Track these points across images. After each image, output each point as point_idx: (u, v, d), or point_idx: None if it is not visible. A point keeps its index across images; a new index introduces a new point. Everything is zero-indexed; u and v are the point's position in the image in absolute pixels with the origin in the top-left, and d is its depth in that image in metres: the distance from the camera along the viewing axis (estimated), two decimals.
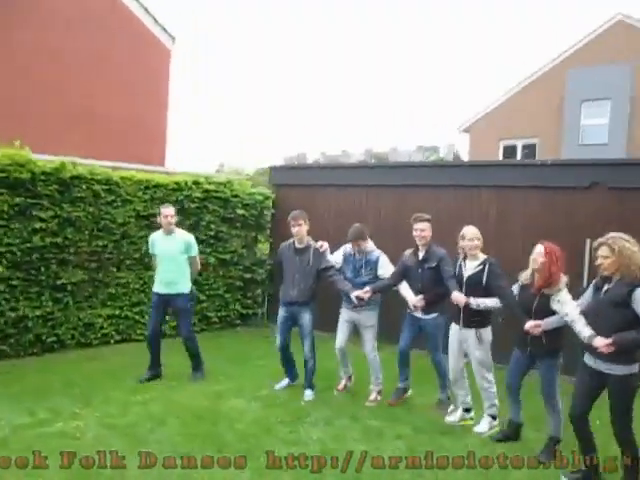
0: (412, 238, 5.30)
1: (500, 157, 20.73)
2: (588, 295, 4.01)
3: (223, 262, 8.58)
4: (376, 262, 5.49)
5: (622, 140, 18.22)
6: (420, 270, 5.19)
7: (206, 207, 8.29)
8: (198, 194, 8.13)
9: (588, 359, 3.87)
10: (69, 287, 7.00)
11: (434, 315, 5.24)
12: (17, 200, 6.46)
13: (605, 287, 3.81)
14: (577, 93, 19.01)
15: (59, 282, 6.90)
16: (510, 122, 20.74)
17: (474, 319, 4.78)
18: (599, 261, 3.80)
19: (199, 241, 8.16)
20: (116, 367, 6.51)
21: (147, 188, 7.68)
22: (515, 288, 4.58)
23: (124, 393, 5.57)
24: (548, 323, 4.23)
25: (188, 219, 8.08)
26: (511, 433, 4.70)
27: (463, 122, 23.09)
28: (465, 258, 4.90)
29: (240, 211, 8.63)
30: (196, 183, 8.17)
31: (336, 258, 5.68)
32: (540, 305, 4.29)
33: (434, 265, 5.10)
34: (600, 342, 3.63)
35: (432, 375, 5.61)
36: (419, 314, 5.25)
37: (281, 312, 5.76)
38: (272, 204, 9.19)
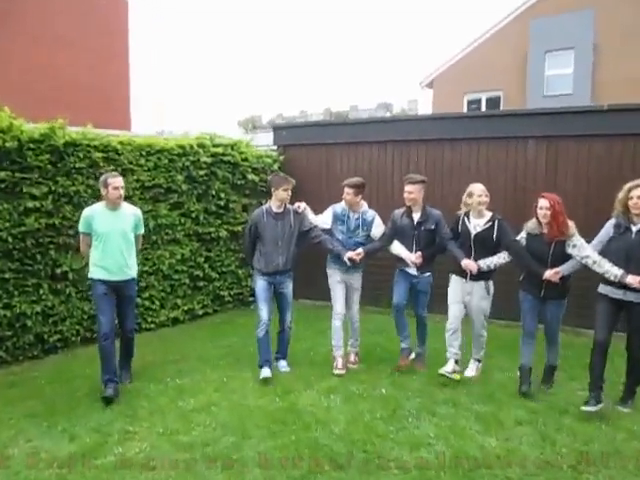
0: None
1: (465, 111, 20.31)
2: (604, 237, 4.40)
3: (234, 235, 7.61)
4: (371, 222, 5.29)
5: (587, 89, 18.17)
6: (416, 232, 5.12)
7: (214, 173, 7.24)
8: (205, 158, 7.06)
9: (613, 292, 4.29)
10: (71, 275, 5.88)
11: (428, 274, 5.22)
12: (2, 175, 5.24)
13: (635, 228, 4.22)
14: (540, 44, 18.74)
15: (59, 270, 5.78)
16: (473, 75, 20.32)
17: (483, 272, 4.87)
18: (634, 201, 4.18)
19: (208, 213, 7.23)
20: (138, 365, 5.54)
21: (149, 154, 6.55)
22: (521, 239, 4.75)
23: (170, 398, 4.66)
24: (566, 269, 4.53)
25: (196, 188, 7.05)
26: (528, 377, 4.75)
27: (425, 77, 22.51)
28: (467, 215, 4.94)
29: (250, 176, 7.63)
30: (202, 146, 7.09)
31: (324, 219, 5.35)
32: (556, 253, 4.54)
33: (432, 227, 5.10)
34: (634, 280, 4.09)
35: (510, 349, 5.50)
36: (413, 271, 5.17)
37: (261, 282, 5.14)
38: (279, 167, 8.22)
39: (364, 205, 5.32)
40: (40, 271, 5.64)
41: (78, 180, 5.83)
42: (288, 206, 5.11)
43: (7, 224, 5.28)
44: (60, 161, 5.70)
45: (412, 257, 5.09)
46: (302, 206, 5.21)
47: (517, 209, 6.13)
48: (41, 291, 5.66)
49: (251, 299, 7.96)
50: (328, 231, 5.31)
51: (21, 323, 5.53)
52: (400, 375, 5.15)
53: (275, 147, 8.49)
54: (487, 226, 4.86)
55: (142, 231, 5.11)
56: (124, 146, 6.26)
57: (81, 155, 5.81)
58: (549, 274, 4.49)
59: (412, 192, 5.07)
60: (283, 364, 5.38)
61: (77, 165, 5.78)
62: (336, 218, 5.29)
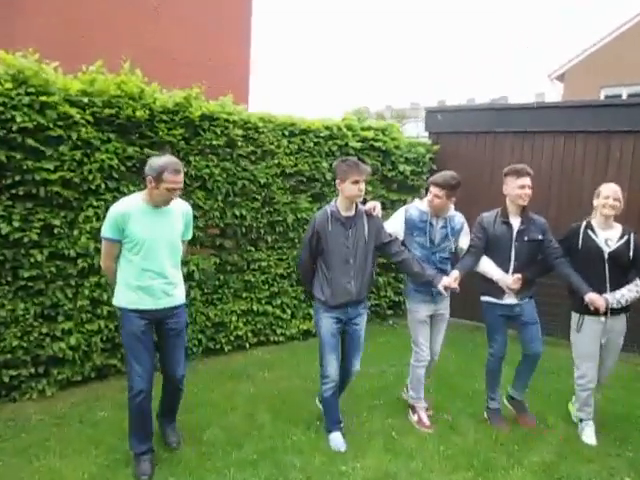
0: None
1: None
2: None
3: None
4: (460, 230, 3.94)
5: None
6: (516, 243, 3.83)
7: (363, 162, 6.03)
8: (354, 143, 5.88)
9: None
10: (196, 275, 4.93)
11: (529, 298, 3.94)
12: (130, 151, 4.34)
13: None
14: None
15: (184, 269, 4.83)
16: (613, 68, 17.92)
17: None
18: None
19: None
20: (272, 388, 4.45)
21: (293, 135, 5.46)
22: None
23: (321, 461, 3.50)
24: None
25: None
26: None
27: (556, 69, 20.24)
28: (591, 226, 3.74)
29: (402, 167, 6.37)
30: (350, 128, 5.92)
31: (393, 228, 3.85)
32: None
33: (539, 238, 3.84)
34: None
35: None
36: (510, 299, 3.86)
37: (328, 322, 3.60)
38: (431, 159, 6.88)
39: (451, 208, 3.94)
40: None
41: (213, 161, 4.85)
42: (360, 207, 3.61)
43: None
44: (194, 137, 4.73)
45: (509, 280, 3.79)
46: (377, 207, 3.69)
47: None
48: None
49: (389, 312, 6.75)
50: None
51: None
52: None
53: (426, 135, 7.15)
54: (622, 242, 3.68)
55: (190, 236, 3.58)
56: (265, 123, 5.21)
57: (218, 131, 4.81)
58: None
59: (530, 186, 3.78)
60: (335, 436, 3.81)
61: (213, 142, 4.79)
62: (412, 226, 3.84)
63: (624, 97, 18.12)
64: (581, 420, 3.89)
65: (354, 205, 3.55)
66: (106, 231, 3.17)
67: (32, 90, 3.83)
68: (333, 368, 3.60)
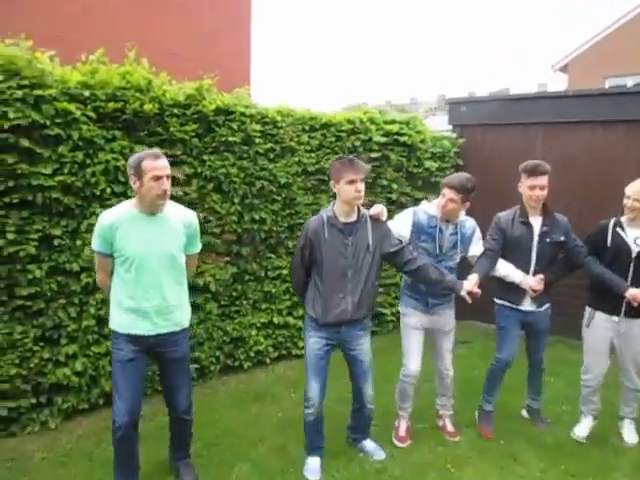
0: None
1: None
2: None
3: None
4: (471, 236, 3.53)
5: None
6: (538, 245, 3.52)
7: (386, 158, 5.57)
8: (378, 138, 5.40)
9: None
10: (213, 286, 4.44)
11: (547, 305, 3.69)
12: (138, 150, 3.85)
13: None
14: None
15: (199, 281, 4.36)
16: (617, 57, 17.63)
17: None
18: None
19: None
20: (301, 412, 3.96)
21: (313, 129, 4.98)
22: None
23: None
24: None
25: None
26: None
27: (559, 60, 19.90)
28: (620, 224, 3.50)
29: (428, 163, 5.89)
30: (372, 122, 5.44)
31: (399, 230, 3.39)
32: None
33: (561, 239, 3.54)
34: None
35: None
36: (528, 306, 3.60)
37: (314, 341, 3.19)
38: (455, 153, 6.41)
39: (462, 212, 3.50)
40: None
41: (229, 160, 4.37)
42: (363, 211, 3.11)
43: None
44: (208, 133, 4.25)
45: (531, 281, 3.52)
46: (384, 211, 3.17)
47: None
48: None
49: None
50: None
51: None
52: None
53: (450, 128, 6.68)
54: None
55: (198, 249, 3.09)
56: (284, 118, 4.73)
57: (235, 126, 4.32)
58: None
59: (544, 187, 3.45)
60: (371, 446, 3.50)
61: (229, 139, 4.30)
62: (420, 231, 3.40)
63: (629, 86, 17.84)
64: (582, 413, 3.79)
65: (355, 209, 3.06)
66: (94, 244, 2.81)
67: (25, 83, 3.34)
68: (315, 392, 3.20)
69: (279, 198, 4.74)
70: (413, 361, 3.54)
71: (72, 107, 3.49)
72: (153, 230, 2.76)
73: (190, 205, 4.17)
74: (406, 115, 5.86)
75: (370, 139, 5.33)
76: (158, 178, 2.65)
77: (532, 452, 3.54)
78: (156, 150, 2.77)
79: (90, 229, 3.68)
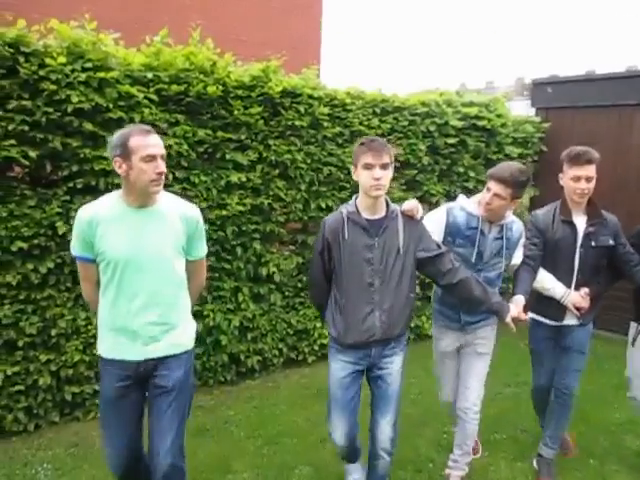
0: None
1: None
2: None
3: None
4: (517, 241, 2.86)
5: None
6: (581, 249, 2.89)
7: (464, 143, 5.19)
8: (455, 122, 5.03)
9: None
10: (276, 277, 4.28)
11: (590, 324, 3.04)
12: (201, 133, 3.72)
13: None
14: None
15: (263, 270, 4.20)
16: None
17: None
18: None
19: (450, 197, 5.20)
20: (366, 413, 3.73)
21: (385, 113, 4.69)
22: None
23: None
24: None
25: (438, 163, 5.08)
26: None
27: None
28: None
29: (509, 149, 5.46)
30: (449, 104, 5.07)
31: (432, 229, 2.67)
32: None
33: (610, 243, 2.89)
34: None
35: None
36: (572, 320, 2.94)
37: (339, 366, 2.52)
38: (540, 139, 5.91)
39: (510, 212, 2.84)
40: (240, 270, 4.10)
41: (295, 144, 4.17)
42: (393, 207, 2.50)
43: (203, 204, 3.76)
44: (274, 117, 4.06)
45: (576, 297, 2.86)
46: (418, 207, 2.54)
47: None
48: (240, 297, 4.13)
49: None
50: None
51: (213, 338, 4.06)
52: None
53: (531, 113, 6.17)
54: None
55: (204, 252, 2.44)
56: (353, 100, 4.47)
57: (302, 109, 4.11)
58: None
59: (591, 178, 2.81)
60: None
61: (296, 123, 4.10)
62: (456, 233, 2.76)
63: None
64: None
65: (382, 204, 2.45)
66: (73, 247, 2.22)
67: (89, 65, 3.27)
68: (341, 433, 2.54)
69: (347, 185, 4.49)
70: (446, 389, 3.05)
71: (134, 90, 3.39)
72: (143, 227, 2.17)
73: (254, 192, 4.04)
74: (486, 97, 5.43)
75: (446, 123, 4.97)
76: (151, 158, 2.09)
77: (627, 475, 3.14)
78: (144, 125, 2.22)
79: None
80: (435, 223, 2.74)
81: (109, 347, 2.21)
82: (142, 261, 2.16)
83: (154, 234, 2.18)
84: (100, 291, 2.23)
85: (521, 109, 6.04)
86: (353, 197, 2.51)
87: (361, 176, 2.37)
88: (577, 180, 2.80)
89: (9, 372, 3.26)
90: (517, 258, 2.87)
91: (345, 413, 2.52)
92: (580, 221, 2.90)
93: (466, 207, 2.78)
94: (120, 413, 2.22)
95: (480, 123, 5.19)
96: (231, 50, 3.88)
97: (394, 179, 4.79)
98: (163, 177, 2.15)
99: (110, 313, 2.20)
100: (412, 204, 2.52)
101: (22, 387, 3.33)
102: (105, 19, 3.48)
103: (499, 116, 5.35)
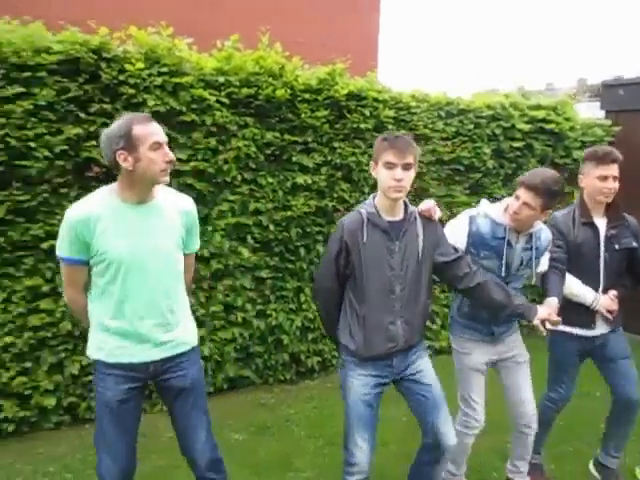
0: None
1: None
2: None
3: None
4: (546, 249, 2.66)
5: None
6: (605, 253, 2.76)
7: (530, 147, 5.08)
8: (522, 125, 4.93)
9: None
10: None
11: (620, 328, 2.88)
12: (269, 136, 3.80)
13: None
14: None
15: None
16: None
17: None
18: None
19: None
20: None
21: (450, 116, 4.65)
22: None
23: None
24: None
25: (503, 167, 4.99)
26: None
27: None
28: None
29: (576, 154, 5.30)
30: (516, 107, 4.97)
31: (454, 240, 2.49)
32: None
33: (633, 245, 2.77)
34: None
35: None
36: (601, 329, 2.81)
37: (361, 383, 2.31)
38: (610, 143, 5.70)
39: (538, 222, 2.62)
40: (303, 271, 4.15)
41: (360, 147, 4.19)
42: (411, 208, 2.35)
43: (269, 205, 3.84)
44: (339, 120, 4.10)
45: (607, 300, 2.75)
46: (435, 207, 2.40)
47: None
48: (302, 297, 4.18)
49: None
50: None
51: (275, 337, 4.13)
52: None
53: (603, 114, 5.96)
54: None
55: (196, 246, 2.33)
56: (418, 103, 4.46)
57: (367, 112, 4.13)
58: None
59: (617, 177, 2.74)
60: None
61: (360, 126, 4.12)
62: (479, 244, 2.55)
63: None
64: None
65: (401, 205, 2.30)
66: (62, 248, 2.04)
67: (165, 70, 3.41)
68: (362, 454, 2.30)
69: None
70: (478, 408, 2.71)
71: (206, 93, 3.50)
72: (144, 224, 2.05)
73: (319, 194, 4.08)
74: (552, 99, 5.29)
75: (512, 126, 4.88)
76: (159, 145, 1.97)
77: None
78: (140, 113, 2.12)
79: (221, 215, 3.71)
80: (457, 233, 2.56)
81: (111, 351, 2.08)
82: (146, 260, 2.05)
83: (156, 231, 2.08)
84: (93, 295, 2.10)
85: (585, 111, 5.85)
86: (370, 196, 2.36)
87: (380, 174, 2.22)
88: (604, 179, 2.72)
89: (84, 363, 3.42)
90: (543, 265, 2.70)
91: (367, 431, 2.31)
92: (600, 223, 2.80)
93: (491, 215, 2.56)
94: (122, 419, 2.12)
95: (548, 126, 5.06)
96: (288, 52, 3.95)
97: (457, 182, 4.77)
98: (171, 166, 2.03)
99: (111, 315, 2.06)
100: (429, 204, 2.39)
101: None
102: (176, 22, 3.61)
103: (567, 119, 5.20)
